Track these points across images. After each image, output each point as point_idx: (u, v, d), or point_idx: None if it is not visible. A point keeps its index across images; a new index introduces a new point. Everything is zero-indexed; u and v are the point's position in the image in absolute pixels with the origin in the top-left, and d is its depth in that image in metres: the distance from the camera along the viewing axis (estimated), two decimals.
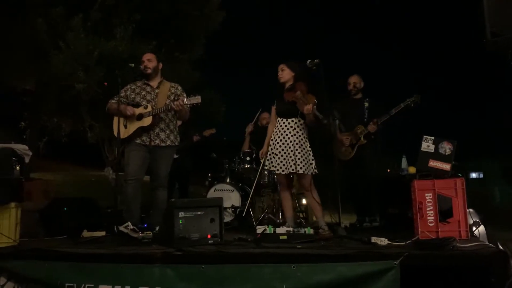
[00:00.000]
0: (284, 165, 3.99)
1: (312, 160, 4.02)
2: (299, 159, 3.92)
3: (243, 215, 5.28)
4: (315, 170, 4.01)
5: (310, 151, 4.05)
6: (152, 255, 2.91)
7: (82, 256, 3.01)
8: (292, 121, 4.05)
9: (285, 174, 4.03)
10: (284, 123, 4.07)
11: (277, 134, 4.08)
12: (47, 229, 4.14)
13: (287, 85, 4.13)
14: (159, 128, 4.20)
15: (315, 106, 3.87)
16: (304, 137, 4.04)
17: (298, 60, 4.19)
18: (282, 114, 4.12)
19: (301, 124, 4.07)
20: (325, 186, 4.53)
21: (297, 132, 4.03)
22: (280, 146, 4.02)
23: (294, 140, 3.98)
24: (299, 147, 3.97)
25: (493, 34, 2.73)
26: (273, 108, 4.26)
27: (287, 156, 3.98)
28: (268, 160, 4.14)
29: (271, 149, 4.12)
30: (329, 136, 4.27)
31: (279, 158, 4.02)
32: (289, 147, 3.98)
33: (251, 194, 5.36)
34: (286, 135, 4.02)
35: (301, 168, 3.91)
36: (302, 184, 4.11)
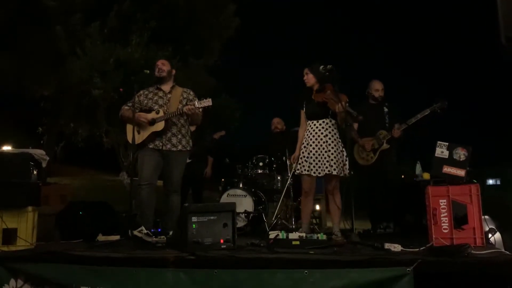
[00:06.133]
0: (320, 167, 3.92)
1: (346, 160, 3.96)
2: (332, 159, 3.89)
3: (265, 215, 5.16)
4: (348, 171, 3.96)
5: (343, 151, 4.01)
6: (165, 259, 2.93)
7: (97, 259, 3.04)
8: (324, 121, 4.02)
9: (317, 177, 3.98)
10: (315, 125, 4.04)
11: (309, 137, 4.04)
12: (63, 233, 4.20)
13: (315, 87, 4.13)
14: (171, 133, 4.23)
15: (347, 104, 3.86)
16: (337, 137, 4.01)
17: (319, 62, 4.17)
18: (313, 116, 4.08)
19: (332, 125, 4.02)
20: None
21: (330, 132, 3.99)
22: (313, 148, 3.97)
23: (327, 141, 3.95)
24: (332, 147, 3.93)
25: (508, 39, 2.69)
26: (302, 112, 4.22)
27: (322, 158, 3.92)
28: (300, 164, 4.08)
29: (303, 152, 4.06)
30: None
31: (313, 161, 3.95)
32: (323, 148, 3.93)
33: (281, 199, 5.26)
34: (319, 136, 3.98)
35: (334, 169, 3.87)
36: (327, 187, 4.06)
